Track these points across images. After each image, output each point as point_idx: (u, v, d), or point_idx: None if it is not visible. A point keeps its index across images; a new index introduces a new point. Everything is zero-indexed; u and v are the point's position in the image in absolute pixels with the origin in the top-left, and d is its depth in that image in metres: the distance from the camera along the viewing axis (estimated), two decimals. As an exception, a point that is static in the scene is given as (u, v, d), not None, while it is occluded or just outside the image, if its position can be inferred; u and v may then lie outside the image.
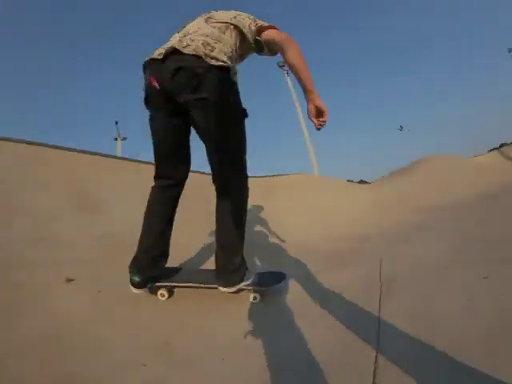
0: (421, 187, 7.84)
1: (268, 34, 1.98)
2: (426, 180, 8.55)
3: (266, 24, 2.03)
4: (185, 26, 2.11)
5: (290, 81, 21.56)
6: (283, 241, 3.93)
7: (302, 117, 20.68)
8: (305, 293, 2.32)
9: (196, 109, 1.91)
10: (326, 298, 2.13)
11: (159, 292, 2.21)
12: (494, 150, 18.73)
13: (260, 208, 5.13)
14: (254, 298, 2.20)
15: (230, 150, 2.06)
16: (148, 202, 2.16)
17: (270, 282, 2.28)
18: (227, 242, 2.14)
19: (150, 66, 1.96)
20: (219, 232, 2.16)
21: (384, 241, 3.68)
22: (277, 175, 8.67)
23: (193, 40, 1.89)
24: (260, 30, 2.01)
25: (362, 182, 20.68)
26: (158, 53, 1.91)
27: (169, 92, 1.89)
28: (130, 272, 2.09)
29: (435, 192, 6.85)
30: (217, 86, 1.85)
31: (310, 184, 8.89)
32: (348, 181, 14.50)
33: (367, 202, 7.38)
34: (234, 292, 2.16)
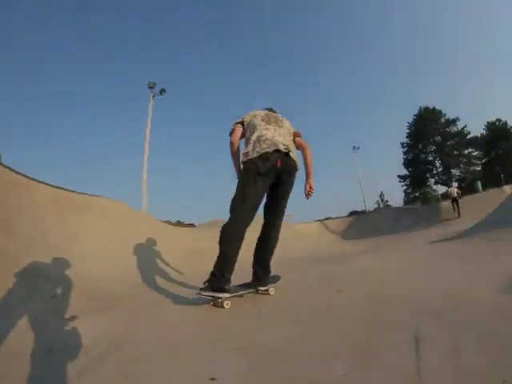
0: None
1: (299, 140, 3.58)
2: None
3: (297, 132, 3.65)
4: (265, 120, 3.51)
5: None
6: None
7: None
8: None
9: (287, 183, 3.34)
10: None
11: (225, 302, 2.98)
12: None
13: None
14: (272, 291, 3.45)
15: (286, 206, 3.54)
16: (234, 235, 3.12)
17: (276, 281, 3.61)
18: (269, 259, 3.51)
19: (277, 153, 3.19)
20: (267, 252, 3.50)
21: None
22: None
23: (287, 145, 3.29)
24: (295, 135, 3.59)
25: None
26: (283, 147, 3.24)
27: (282, 171, 3.23)
28: (225, 283, 3.03)
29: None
30: (295, 176, 3.41)
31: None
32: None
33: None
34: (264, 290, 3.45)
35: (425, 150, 52.84)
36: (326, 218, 32.25)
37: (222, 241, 3.11)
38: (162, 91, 23.44)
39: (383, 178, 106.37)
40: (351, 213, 61.44)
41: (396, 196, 66.62)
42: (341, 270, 4.66)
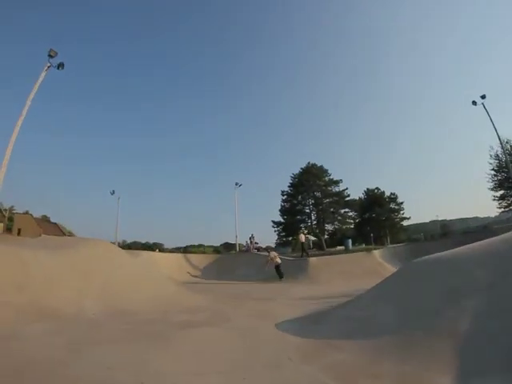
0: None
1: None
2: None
3: None
4: None
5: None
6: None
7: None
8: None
9: None
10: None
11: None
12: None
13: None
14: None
15: None
16: None
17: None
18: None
19: None
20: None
21: None
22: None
23: None
24: None
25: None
26: None
27: None
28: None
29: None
30: None
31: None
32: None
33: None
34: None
35: (303, 202, 53.78)
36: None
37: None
38: (61, 65, 20.17)
39: (258, 218, 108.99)
40: (224, 243, 61.13)
41: (269, 237, 66.97)
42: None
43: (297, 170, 55.31)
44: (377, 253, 20.46)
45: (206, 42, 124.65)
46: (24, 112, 18.96)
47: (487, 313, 3.74)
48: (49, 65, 19.88)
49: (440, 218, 61.07)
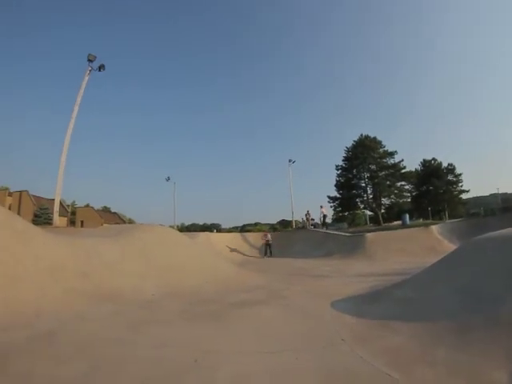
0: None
1: None
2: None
3: None
4: None
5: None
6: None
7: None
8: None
9: None
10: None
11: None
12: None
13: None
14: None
15: None
16: None
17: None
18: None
19: None
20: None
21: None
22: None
23: None
24: None
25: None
26: None
27: None
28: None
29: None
30: None
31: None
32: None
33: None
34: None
35: (358, 176, 52.26)
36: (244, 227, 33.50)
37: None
38: (102, 67, 21.10)
39: (314, 194, 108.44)
40: (280, 221, 61.33)
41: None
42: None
43: (350, 144, 53.89)
44: (435, 228, 19.53)
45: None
46: (74, 115, 20.13)
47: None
48: (90, 69, 20.80)
49: (501, 191, 57.03)
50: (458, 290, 4.62)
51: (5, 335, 3.68)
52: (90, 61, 20.68)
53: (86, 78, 20.82)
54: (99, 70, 21.07)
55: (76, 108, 20.22)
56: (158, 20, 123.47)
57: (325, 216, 28.67)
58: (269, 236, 22.31)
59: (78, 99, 20.30)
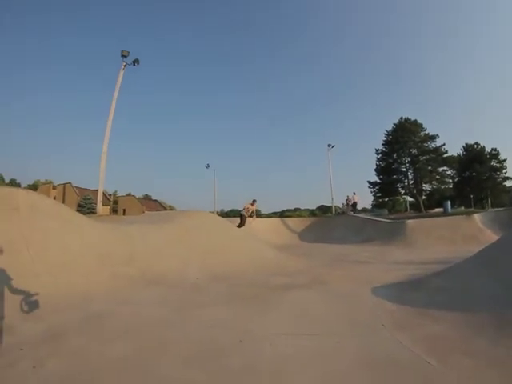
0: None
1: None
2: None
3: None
4: None
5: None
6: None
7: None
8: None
9: None
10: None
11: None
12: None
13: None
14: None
15: None
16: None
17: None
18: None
19: None
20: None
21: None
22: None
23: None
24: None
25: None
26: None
27: None
28: None
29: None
30: None
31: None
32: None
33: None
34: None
35: (399, 161, 50.95)
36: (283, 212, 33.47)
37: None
38: (136, 61, 21.96)
39: (353, 179, 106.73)
40: (320, 206, 61.11)
41: (366, 198, 65.44)
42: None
43: (390, 127, 52.50)
44: (477, 217, 18.78)
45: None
46: (112, 110, 21.07)
47: None
48: (124, 64, 21.58)
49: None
50: (500, 282, 4.60)
51: (58, 316, 4.08)
52: (124, 56, 21.54)
53: (121, 73, 21.62)
54: (134, 65, 21.84)
55: (114, 102, 21.09)
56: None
57: (355, 203, 28.91)
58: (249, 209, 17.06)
59: (116, 93, 21.14)
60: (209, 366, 2.96)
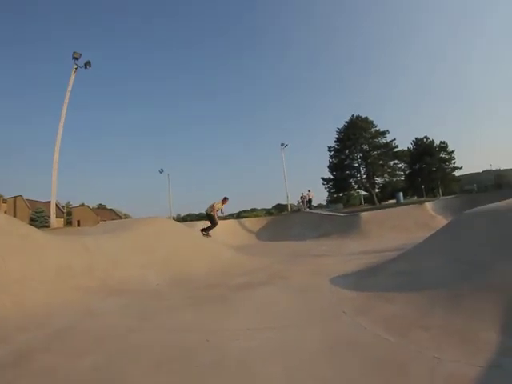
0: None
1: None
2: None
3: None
4: None
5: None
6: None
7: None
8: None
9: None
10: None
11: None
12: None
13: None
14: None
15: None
16: None
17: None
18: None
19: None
20: None
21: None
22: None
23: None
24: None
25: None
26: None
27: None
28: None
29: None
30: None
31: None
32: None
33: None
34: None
35: (351, 156, 52.62)
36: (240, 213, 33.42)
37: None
38: (87, 64, 20.83)
39: (307, 177, 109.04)
40: (276, 205, 61.73)
41: (321, 194, 67.00)
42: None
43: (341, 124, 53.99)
44: (428, 205, 19.83)
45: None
46: (63, 113, 20.08)
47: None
48: (76, 66, 20.57)
49: (494, 168, 57.35)
50: (451, 261, 4.81)
51: (24, 335, 3.82)
52: (75, 58, 20.52)
53: (73, 77, 20.63)
54: (85, 67, 20.91)
55: (65, 107, 20.11)
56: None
57: (310, 200, 30.30)
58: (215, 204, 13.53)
59: (66, 98, 20.17)
60: (180, 368, 2.91)
